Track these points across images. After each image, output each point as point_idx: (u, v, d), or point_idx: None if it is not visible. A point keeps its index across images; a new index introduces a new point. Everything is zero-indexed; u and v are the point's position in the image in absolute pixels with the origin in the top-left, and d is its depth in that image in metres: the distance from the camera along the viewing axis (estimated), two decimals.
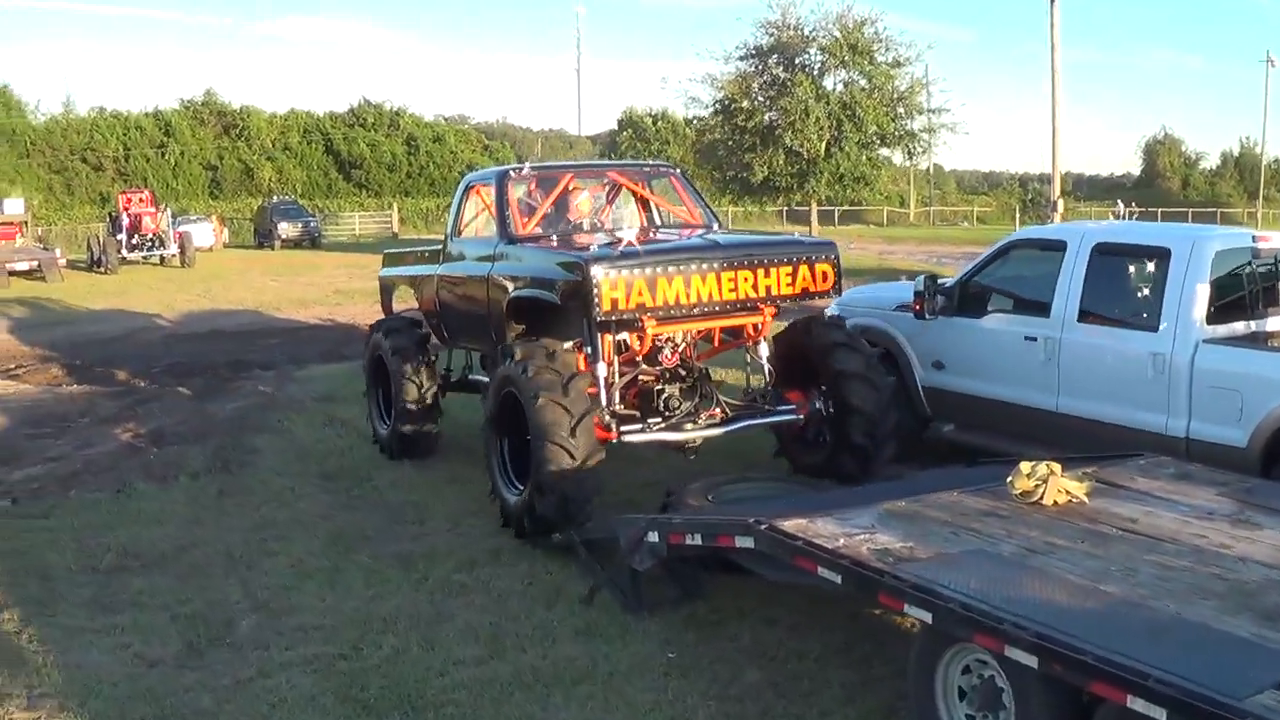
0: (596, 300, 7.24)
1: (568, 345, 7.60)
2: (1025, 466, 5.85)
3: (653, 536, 5.95)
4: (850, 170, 27.64)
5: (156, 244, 38.76)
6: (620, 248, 7.56)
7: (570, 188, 9.16)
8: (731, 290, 7.62)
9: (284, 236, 48.41)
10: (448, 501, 8.39)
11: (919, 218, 77.52)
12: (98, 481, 9.28)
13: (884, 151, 29.60)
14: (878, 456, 8.14)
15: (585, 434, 7.03)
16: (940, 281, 9.07)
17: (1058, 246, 8.36)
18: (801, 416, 8.25)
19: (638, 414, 7.86)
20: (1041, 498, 5.67)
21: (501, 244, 8.49)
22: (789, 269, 7.83)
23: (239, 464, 9.76)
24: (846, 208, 56.22)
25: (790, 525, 5.23)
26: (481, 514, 7.96)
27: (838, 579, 4.82)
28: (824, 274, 7.98)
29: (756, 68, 28.24)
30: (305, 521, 8.04)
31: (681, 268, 7.48)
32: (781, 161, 27.53)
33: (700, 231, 8.95)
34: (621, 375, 7.89)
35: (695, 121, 33.01)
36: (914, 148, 28.17)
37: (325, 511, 8.30)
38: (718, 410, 7.98)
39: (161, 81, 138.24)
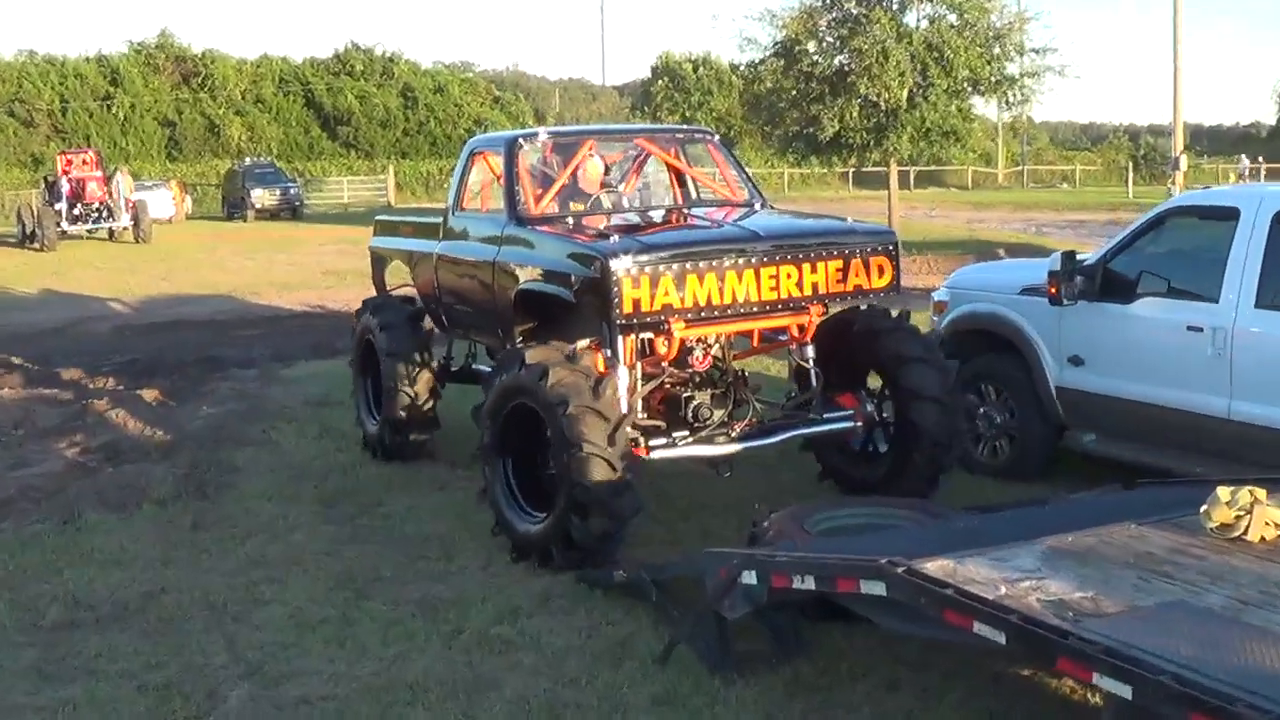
0: (616, 301, 7.36)
1: (583, 345, 7.70)
2: (1224, 493, 5.54)
3: (749, 578, 5.71)
4: (937, 123, 27.06)
5: (104, 215, 38.91)
6: (645, 236, 7.75)
7: (589, 155, 9.28)
8: (773, 289, 7.74)
9: (258, 206, 48.67)
10: (478, 531, 8.15)
11: (1009, 179, 77.10)
12: (38, 511, 9.04)
13: (976, 101, 29.14)
14: (951, 452, 8.37)
15: (623, 442, 7.16)
16: (1079, 259, 8.78)
17: (1228, 215, 8.12)
18: (859, 424, 8.43)
19: (662, 425, 8.00)
20: (1245, 532, 5.39)
21: (510, 225, 8.64)
22: (839, 263, 7.94)
23: (216, 487, 9.56)
24: (921, 168, 55.95)
25: (934, 568, 4.96)
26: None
27: (1001, 638, 4.54)
28: (880, 268, 8.09)
29: (825, 2, 27.77)
30: (303, 559, 7.81)
31: (715, 263, 7.60)
32: (855, 114, 27.03)
33: (739, 214, 9.05)
34: (645, 381, 8.05)
35: (745, 68, 32.65)
36: (1013, 95, 27.63)
37: (327, 546, 8.08)
38: (754, 419, 8.15)
39: (106, 20, 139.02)
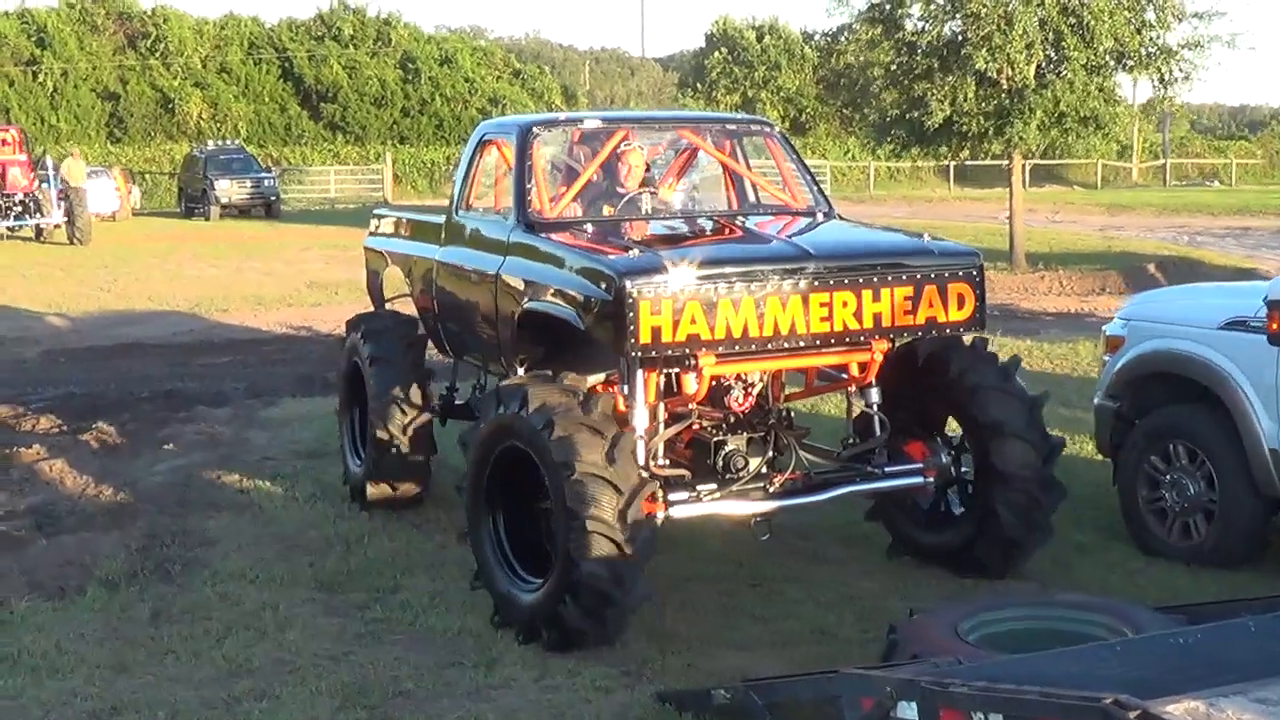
0: (632, 329, 7.42)
1: (598, 381, 7.95)
2: None
3: (908, 711, 5.30)
4: (1074, 106, 26.55)
5: (29, 209, 38.96)
6: (671, 251, 7.80)
7: (623, 148, 9.40)
8: (824, 320, 7.79)
9: (224, 201, 48.81)
10: None
11: (1146, 175, 76.65)
12: None
13: (1121, 79, 28.68)
14: (1030, 547, 8.55)
15: (636, 516, 7.28)
16: None
17: None
18: (930, 479, 8.53)
19: (687, 474, 8.13)
20: None
21: (517, 229, 8.79)
22: (908, 290, 7.99)
23: (183, 564, 9.25)
24: (1038, 161, 55.28)
25: (1180, 712, 4.53)
26: (578, 650, 7.52)
27: None
28: (960, 298, 8.12)
29: None
30: (299, 666, 7.44)
31: (755, 286, 7.66)
32: (970, 95, 26.56)
33: (795, 225, 9.23)
34: (670, 424, 8.20)
35: (821, 37, 32.43)
36: (1169, 72, 27.11)
37: (330, 647, 7.73)
38: (799, 472, 8.31)
39: None
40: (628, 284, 7.41)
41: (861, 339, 7.96)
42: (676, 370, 7.96)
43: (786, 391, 8.80)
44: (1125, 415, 9.40)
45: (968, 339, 8.68)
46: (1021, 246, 28.90)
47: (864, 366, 8.23)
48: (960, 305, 8.11)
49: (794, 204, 9.58)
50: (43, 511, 10.69)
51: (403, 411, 10.05)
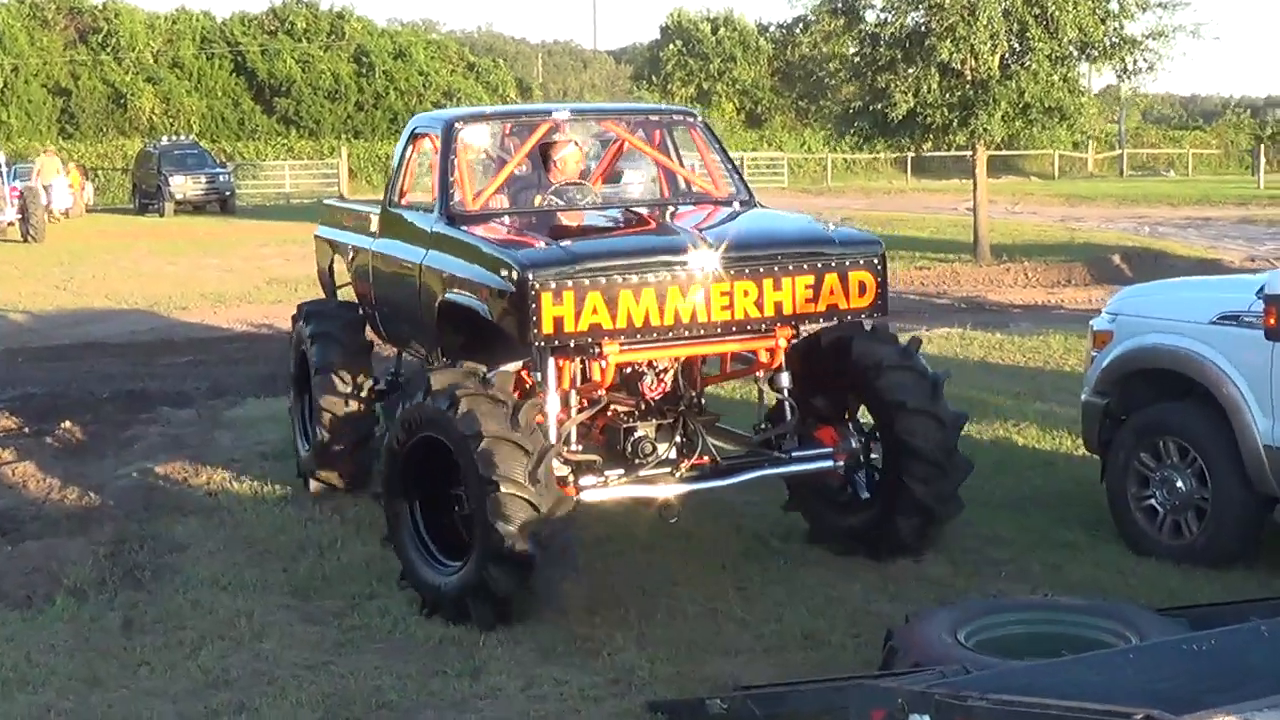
0: (535, 319, 7.68)
1: (511, 369, 8.21)
2: None
3: None
4: (1039, 97, 26.50)
5: None
6: (575, 244, 8.23)
7: (553, 140, 9.70)
8: (726, 308, 8.03)
9: (179, 197, 48.53)
10: (512, 632, 7.73)
11: (1101, 165, 76.82)
12: None
13: (1084, 69, 28.62)
14: (941, 519, 8.76)
15: (548, 477, 7.56)
16: None
17: None
18: (840, 463, 8.76)
19: (598, 460, 8.42)
20: None
21: (440, 221, 9.04)
22: (809, 278, 8.24)
23: (154, 571, 9.04)
24: (994, 153, 55.11)
25: None
26: (570, 651, 7.44)
27: None
28: (861, 285, 8.39)
29: None
30: (277, 676, 7.24)
31: (656, 276, 7.90)
32: (934, 86, 26.47)
33: (708, 215, 9.40)
34: (583, 409, 8.48)
35: (776, 29, 32.30)
36: (1135, 63, 27.08)
37: (309, 656, 7.53)
38: (708, 457, 8.52)
39: None
40: (530, 275, 7.68)
41: (763, 326, 8.21)
42: (583, 358, 8.14)
43: (706, 377, 9.01)
44: (1113, 412, 9.22)
45: (868, 323, 8.85)
46: (986, 238, 28.83)
47: (771, 353, 8.46)
48: (862, 292, 8.36)
49: (715, 193, 9.76)
50: (6, 516, 10.48)
51: (343, 382, 10.30)
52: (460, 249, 8.65)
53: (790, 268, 8.20)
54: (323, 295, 11.87)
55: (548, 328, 7.69)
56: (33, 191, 38.49)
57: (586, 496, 8.16)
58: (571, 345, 7.91)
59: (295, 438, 11.19)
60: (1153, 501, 8.96)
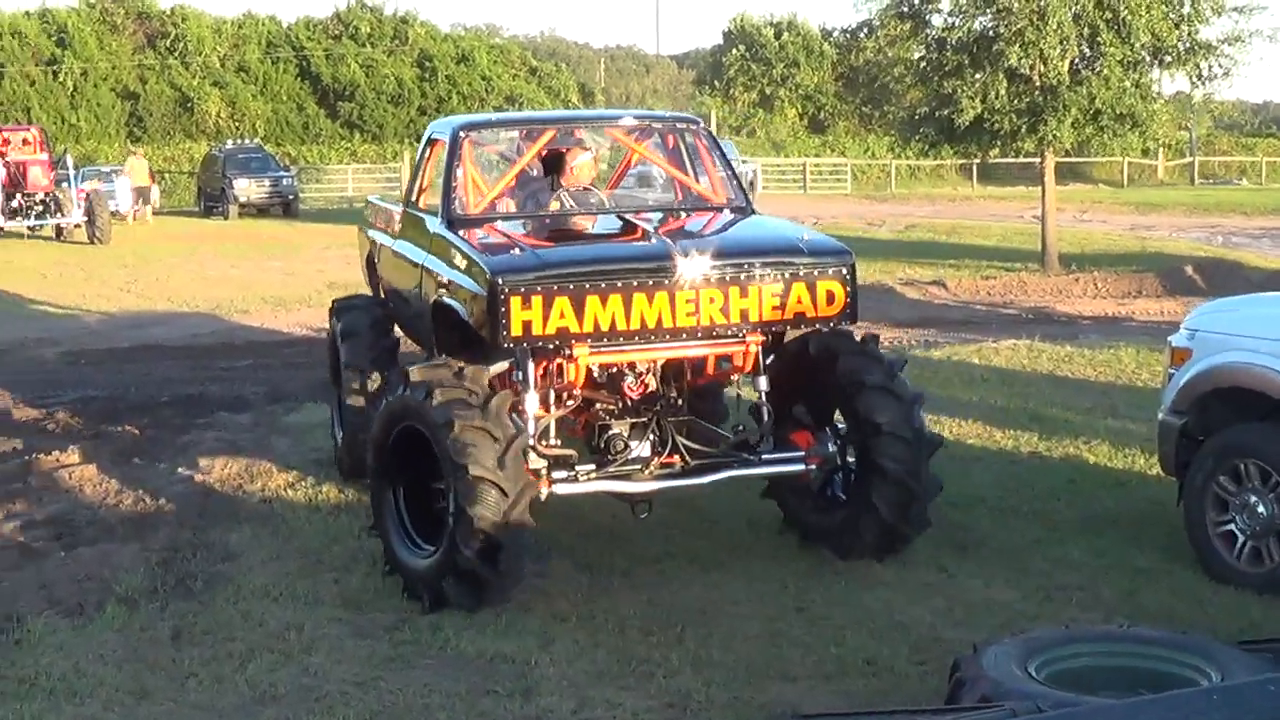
0: (504, 322, 8.15)
1: (499, 368, 8.64)
2: None
3: None
4: (1110, 103, 26.14)
5: (50, 208, 38.58)
6: (548, 250, 8.77)
7: (565, 146, 10.19)
8: (692, 315, 8.37)
9: (243, 200, 48.59)
10: (564, 650, 7.58)
11: (1172, 173, 75.96)
12: None
13: (1157, 74, 28.19)
14: (908, 532, 8.94)
15: (515, 464, 7.96)
16: None
17: None
18: (812, 466, 9.00)
19: (573, 455, 8.77)
20: None
21: (440, 224, 9.50)
22: (776, 287, 8.55)
23: (205, 580, 8.94)
24: (1062, 159, 54.43)
25: None
26: (624, 673, 7.26)
27: None
28: (830, 295, 8.68)
29: None
30: (326, 693, 7.11)
31: (623, 283, 8.27)
32: (1002, 92, 26.15)
33: (698, 222, 9.90)
34: (562, 407, 8.83)
35: (840, 34, 32.15)
36: (1210, 68, 26.67)
37: (358, 672, 7.40)
38: (677, 456, 8.78)
39: None
40: (499, 280, 8.17)
41: (729, 333, 8.54)
42: (558, 360, 8.47)
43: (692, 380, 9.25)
44: (1192, 432, 8.93)
45: (858, 336, 9.15)
46: (1054, 247, 28.44)
47: (743, 358, 8.73)
48: (830, 301, 8.66)
49: (714, 199, 10.12)
50: (61, 521, 10.46)
51: (367, 378, 10.59)
52: (451, 252, 9.12)
53: (758, 276, 8.51)
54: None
55: (516, 330, 8.13)
56: (100, 195, 38.70)
57: (559, 489, 8.45)
58: (540, 347, 8.33)
59: (333, 427, 11.81)
60: (1232, 527, 8.66)
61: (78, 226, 37.98)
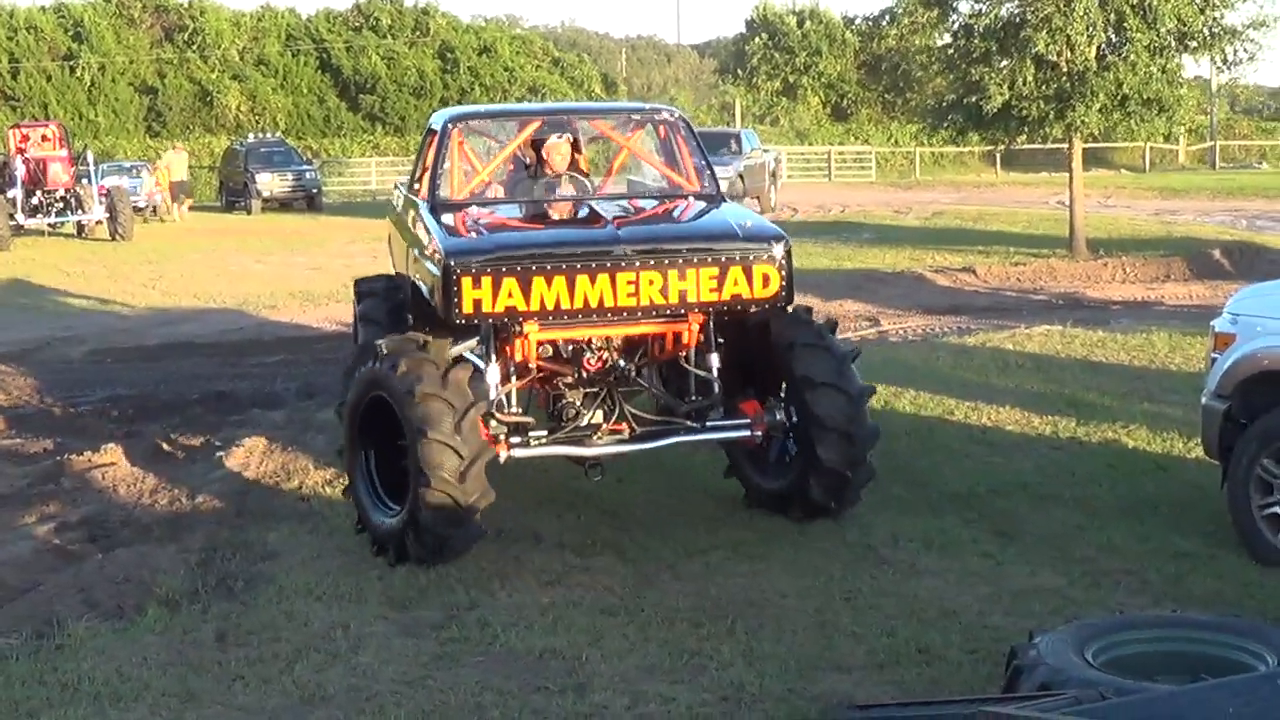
0: (456, 300, 8.95)
1: (470, 344, 9.24)
2: None
3: None
4: (1137, 89, 26.00)
5: (71, 205, 38.54)
6: (500, 235, 9.64)
7: (545, 136, 10.99)
8: (631, 295, 9.04)
9: (266, 194, 48.48)
10: (615, 646, 7.52)
11: (1193, 158, 75.60)
12: (2, 620, 8.40)
13: (1182, 60, 28.02)
14: (854, 482, 9.45)
15: (472, 429, 8.63)
16: None
17: None
18: (757, 433, 9.61)
19: (532, 422, 9.54)
20: None
21: (425, 209, 10.34)
22: (713, 270, 9.17)
23: (246, 580, 8.88)
24: (1085, 144, 54.16)
25: None
26: (676, 666, 7.24)
27: None
28: (765, 277, 9.26)
29: None
30: (376, 692, 7.07)
31: (567, 266, 9.01)
32: (1029, 78, 26.04)
33: (657, 209, 10.73)
34: (523, 378, 9.52)
35: (862, 21, 32.09)
36: (1235, 53, 26.53)
37: (406, 671, 7.35)
38: (624, 424, 9.51)
39: None
40: (451, 261, 9.01)
41: (668, 312, 9.20)
42: (514, 336, 9.19)
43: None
44: (1235, 416, 8.88)
45: (791, 307, 9.70)
46: (1082, 233, 28.26)
47: (686, 335, 9.35)
48: (765, 283, 9.24)
49: (687, 187, 10.79)
50: (96, 523, 10.39)
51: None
52: (427, 235, 9.92)
53: (695, 260, 9.15)
54: None
55: (467, 308, 8.92)
56: (122, 191, 38.67)
57: (515, 453, 9.22)
58: (490, 324, 9.10)
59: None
60: (1277, 509, 8.61)
61: (99, 223, 37.90)
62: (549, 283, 8.92)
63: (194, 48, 69.12)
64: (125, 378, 16.77)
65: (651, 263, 9.07)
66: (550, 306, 8.96)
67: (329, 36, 71.77)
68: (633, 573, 8.72)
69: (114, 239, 36.82)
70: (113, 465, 11.93)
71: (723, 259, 9.20)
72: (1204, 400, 9.19)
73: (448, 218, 10.03)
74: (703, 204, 10.52)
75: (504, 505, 10.02)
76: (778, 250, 9.33)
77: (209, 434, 13.18)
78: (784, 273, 9.30)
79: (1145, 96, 26.50)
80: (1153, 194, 49.42)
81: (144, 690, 7.15)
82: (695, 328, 9.31)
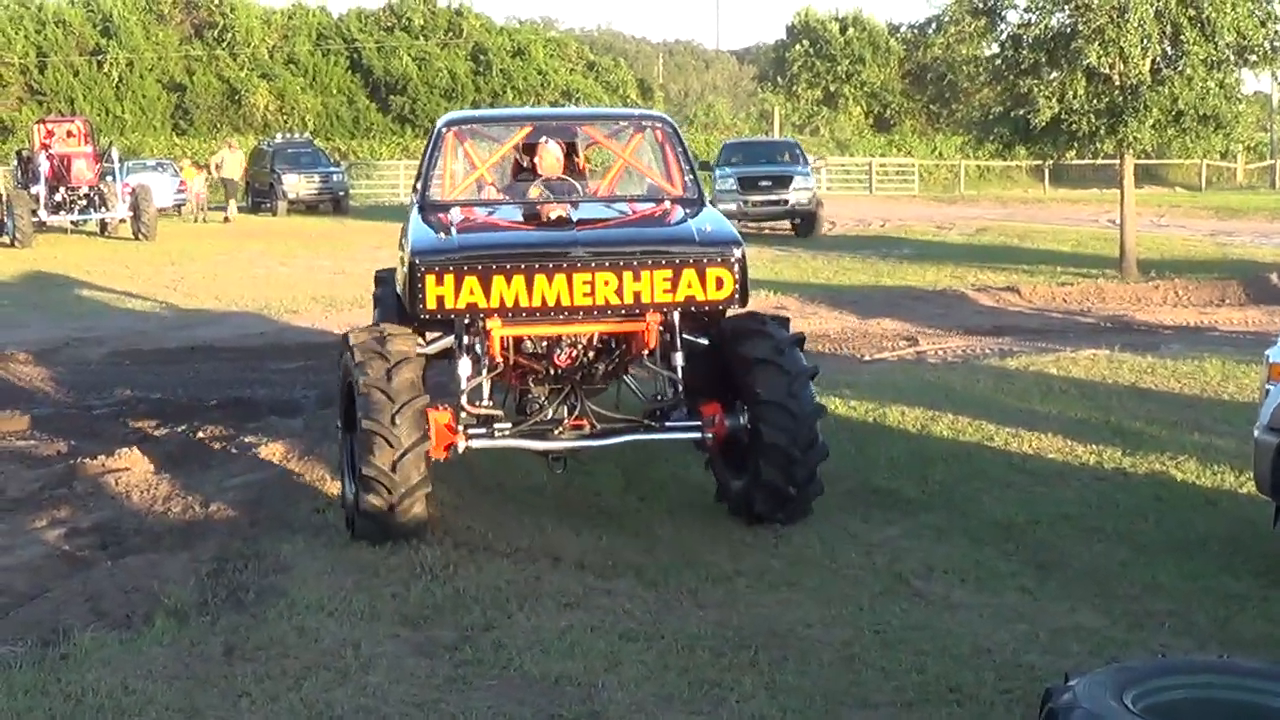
0: (421, 296, 9.67)
1: (446, 342, 10.12)
2: None
3: None
4: (1193, 105, 25.85)
5: (94, 203, 38.74)
6: (464, 235, 10.19)
7: (545, 141, 11.66)
8: (587, 295, 9.66)
9: (292, 196, 48.71)
10: (632, 671, 7.45)
11: (1250, 176, 75.20)
12: (7, 627, 8.43)
13: (1242, 74, 27.89)
14: (797, 498, 10.03)
15: (409, 422, 9.33)
16: None
17: None
18: (710, 435, 10.12)
19: (499, 413, 10.16)
20: None
21: (414, 209, 11.12)
22: (666, 272, 9.78)
23: (258, 592, 8.83)
24: (1137, 160, 53.73)
25: None
26: (695, 697, 7.13)
27: None
28: (719, 280, 9.85)
29: None
30: (386, 714, 7.01)
31: (526, 266, 9.66)
32: (1080, 91, 25.90)
33: (630, 212, 11.27)
34: (494, 372, 10.03)
35: (907, 29, 31.96)
36: None
37: (418, 692, 7.29)
38: (585, 420, 10.11)
39: None
40: (417, 260, 9.76)
41: (623, 312, 9.78)
42: (479, 332, 9.83)
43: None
44: None
45: (768, 316, 10.57)
46: (1133, 253, 28.07)
47: (645, 335, 9.91)
48: (719, 286, 9.82)
49: (671, 192, 11.31)
50: (107, 529, 10.44)
51: None
52: (408, 234, 10.59)
53: (650, 262, 9.75)
54: None
55: (431, 304, 9.63)
56: (146, 189, 38.80)
57: (475, 444, 9.83)
58: (452, 320, 9.80)
59: None
60: None
61: (122, 222, 38.08)
62: (509, 281, 9.57)
63: (223, 45, 69.48)
64: (143, 380, 16.86)
65: (607, 264, 9.68)
66: (510, 304, 9.60)
67: (360, 36, 72.04)
68: (654, 597, 8.65)
69: (137, 238, 37.03)
70: (127, 470, 11.97)
71: (676, 261, 9.81)
72: (1257, 433, 9.08)
73: (428, 218, 10.73)
74: (679, 209, 10.95)
75: (522, 523, 9.99)
76: (731, 254, 9.93)
77: (225, 440, 13.23)
78: (737, 275, 9.87)
79: (1201, 112, 26.33)
80: (1208, 213, 49.12)
81: (148, 704, 7.10)
82: (655, 328, 9.87)
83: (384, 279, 12.53)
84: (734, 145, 44.05)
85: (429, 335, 10.55)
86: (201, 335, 20.62)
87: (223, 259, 31.95)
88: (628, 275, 9.67)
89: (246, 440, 13.13)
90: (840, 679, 7.35)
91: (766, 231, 38.97)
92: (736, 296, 9.93)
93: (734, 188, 37.98)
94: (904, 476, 11.33)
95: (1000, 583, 8.90)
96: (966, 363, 17.53)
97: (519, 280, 9.57)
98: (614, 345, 10.29)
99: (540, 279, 9.58)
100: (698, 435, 10.14)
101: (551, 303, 9.62)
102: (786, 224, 39.87)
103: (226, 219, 44.73)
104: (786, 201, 38.49)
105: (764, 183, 38.60)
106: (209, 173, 47.46)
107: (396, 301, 11.47)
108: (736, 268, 9.89)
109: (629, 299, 9.69)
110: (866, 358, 18.53)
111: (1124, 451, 11.95)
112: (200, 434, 13.56)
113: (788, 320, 10.73)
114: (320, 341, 19.84)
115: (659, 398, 10.38)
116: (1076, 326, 21.89)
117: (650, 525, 10.16)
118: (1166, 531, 9.93)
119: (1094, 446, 12.15)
